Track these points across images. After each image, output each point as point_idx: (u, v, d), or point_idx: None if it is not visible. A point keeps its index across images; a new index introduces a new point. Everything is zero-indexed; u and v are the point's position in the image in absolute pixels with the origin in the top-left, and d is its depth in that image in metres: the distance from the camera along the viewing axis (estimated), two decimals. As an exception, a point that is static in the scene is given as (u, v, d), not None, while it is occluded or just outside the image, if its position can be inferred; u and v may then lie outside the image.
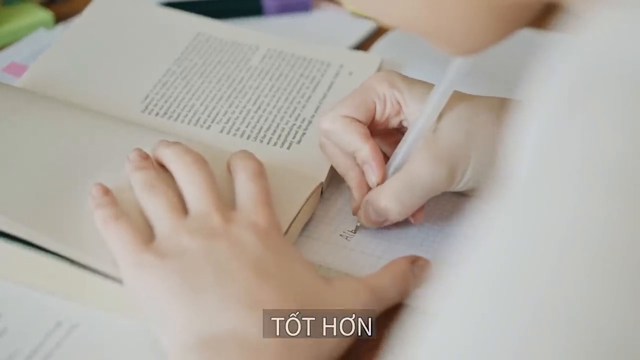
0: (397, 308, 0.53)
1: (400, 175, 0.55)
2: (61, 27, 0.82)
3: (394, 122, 0.58)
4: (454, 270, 0.31)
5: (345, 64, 0.72)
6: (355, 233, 0.59)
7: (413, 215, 0.57)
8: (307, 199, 0.58)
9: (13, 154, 0.56)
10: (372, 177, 0.56)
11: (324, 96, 0.68)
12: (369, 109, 0.57)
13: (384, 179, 0.56)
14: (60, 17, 0.84)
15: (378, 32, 0.84)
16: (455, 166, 0.55)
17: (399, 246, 0.58)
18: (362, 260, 0.57)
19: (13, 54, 0.76)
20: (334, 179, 0.63)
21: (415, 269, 0.54)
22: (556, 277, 0.27)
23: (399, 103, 0.57)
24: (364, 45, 0.83)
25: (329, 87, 0.69)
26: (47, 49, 0.73)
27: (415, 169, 0.55)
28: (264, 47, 0.73)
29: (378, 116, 0.58)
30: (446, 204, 0.61)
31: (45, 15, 0.83)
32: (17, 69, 0.72)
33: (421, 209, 0.57)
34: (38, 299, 0.51)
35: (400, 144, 0.56)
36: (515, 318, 0.27)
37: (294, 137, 0.64)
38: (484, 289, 0.29)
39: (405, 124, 0.58)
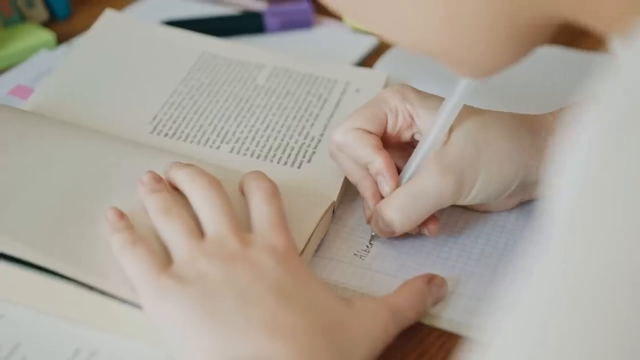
0: (412, 326, 0.53)
1: (407, 187, 0.56)
2: (63, 48, 0.82)
3: (406, 135, 0.59)
4: (505, 306, 0.31)
5: (352, 81, 0.72)
6: (371, 242, 0.59)
7: (427, 227, 0.57)
8: (321, 219, 0.58)
9: (25, 179, 0.56)
10: (386, 188, 0.57)
11: (332, 114, 0.68)
12: (381, 122, 0.58)
13: (396, 189, 0.56)
14: (61, 38, 0.84)
15: (380, 48, 0.85)
16: (463, 180, 0.55)
17: (414, 264, 0.58)
18: (377, 279, 0.57)
19: (17, 76, 0.76)
20: (345, 197, 0.63)
21: (432, 287, 0.54)
22: (611, 315, 0.27)
23: (411, 116, 0.58)
24: (367, 60, 0.83)
25: (337, 105, 0.69)
26: (52, 71, 0.73)
27: (422, 181, 0.55)
28: (269, 66, 0.73)
29: (390, 129, 0.58)
30: (459, 218, 0.61)
31: (47, 36, 0.83)
32: (23, 92, 0.72)
33: (435, 220, 0.57)
34: (56, 326, 0.51)
35: (411, 156, 0.57)
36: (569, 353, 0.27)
37: (304, 156, 0.64)
38: (536, 323, 0.29)
39: (417, 137, 0.58)
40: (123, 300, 0.50)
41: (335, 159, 0.60)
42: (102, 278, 0.50)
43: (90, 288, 0.50)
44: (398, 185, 0.56)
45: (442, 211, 0.61)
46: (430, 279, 0.54)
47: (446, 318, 0.54)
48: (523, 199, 0.61)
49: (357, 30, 0.88)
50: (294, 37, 0.86)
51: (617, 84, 0.29)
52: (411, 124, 0.58)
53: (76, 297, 0.51)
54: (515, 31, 0.39)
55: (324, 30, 0.88)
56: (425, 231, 0.58)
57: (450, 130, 0.55)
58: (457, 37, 0.40)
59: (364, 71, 0.74)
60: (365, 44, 0.85)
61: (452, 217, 0.61)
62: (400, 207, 0.55)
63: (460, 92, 0.53)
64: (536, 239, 0.30)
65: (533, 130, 0.58)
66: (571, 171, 0.29)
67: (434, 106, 0.56)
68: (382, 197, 0.57)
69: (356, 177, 0.59)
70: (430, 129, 0.55)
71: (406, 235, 0.59)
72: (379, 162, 0.56)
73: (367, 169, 0.58)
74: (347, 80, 0.72)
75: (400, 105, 0.57)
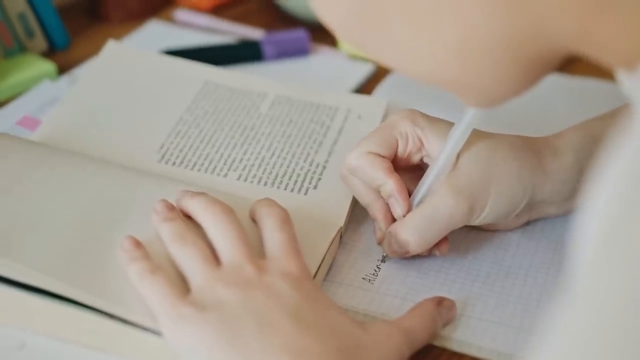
0: (424, 348, 0.54)
1: (421, 209, 0.57)
2: (65, 78, 0.83)
3: (415, 158, 0.61)
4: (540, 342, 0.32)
5: (353, 108, 0.73)
6: (383, 261, 0.61)
7: (438, 247, 0.59)
8: (330, 244, 0.59)
9: (40, 210, 0.57)
10: (398, 210, 0.58)
11: (336, 141, 0.70)
12: (392, 146, 0.60)
13: (409, 211, 0.58)
14: (61, 67, 0.85)
15: (377, 74, 0.86)
16: (474, 201, 0.57)
17: (422, 287, 0.59)
18: (386, 302, 0.58)
19: (22, 106, 0.77)
20: (351, 222, 0.64)
21: (442, 309, 0.55)
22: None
23: (420, 140, 0.60)
24: (364, 87, 0.85)
25: (340, 132, 0.71)
26: (58, 102, 0.74)
27: (436, 203, 0.57)
28: (271, 94, 0.75)
29: (400, 152, 0.60)
30: (463, 240, 0.63)
31: (48, 66, 0.84)
32: (31, 123, 0.73)
33: (446, 240, 0.59)
34: (77, 353, 0.52)
35: (422, 179, 0.59)
36: None
37: (310, 183, 0.65)
38: None
39: (426, 160, 0.60)
40: (143, 328, 0.51)
41: (346, 182, 0.62)
42: (122, 306, 0.51)
43: (110, 316, 0.51)
44: (410, 206, 0.58)
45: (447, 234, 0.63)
46: (440, 302, 0.55)
47: (456, 339, 0.55)
48: (530, 218, 0.64)
49: (353, 58, 0.90)
50: (291, 65, 0.88)
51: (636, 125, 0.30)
52: (420, 147, 0.60)
53: (96, 325, 0.52)
54: (524, 63, 0.40)
55: (321, 57, 0.90)
56: (437, 252, 0.60)
57: (460, 153, 0.57)
58: (466, 69, 0.41)
59: (364, 98, 0.76)
60: (362, 71, 0.86)
61: (456, 239, 0.63)
62: (415, 228, 0.57)
63: (469, 119, 0.54)
64: (566, 277, 0.31)
65: (538, 151, 0.60)
66: (597, 207, 0.30)
67: (443, 130, 0.58)
68: (393, 219, 0.59)
69: (367, 199, 0.61)
70: (440, 153, 0.57)
71: (416, 256, 0.60)
72: (390, 184, 0.58)
73: (378, 192, 0.60)
74: (348, 107, 0.73)
75: (410, 129, 0.60)
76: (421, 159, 0.61)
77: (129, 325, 0.51)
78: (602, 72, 0.85)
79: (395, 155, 0.60)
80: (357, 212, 0.65)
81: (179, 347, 0.49)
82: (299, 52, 0.89)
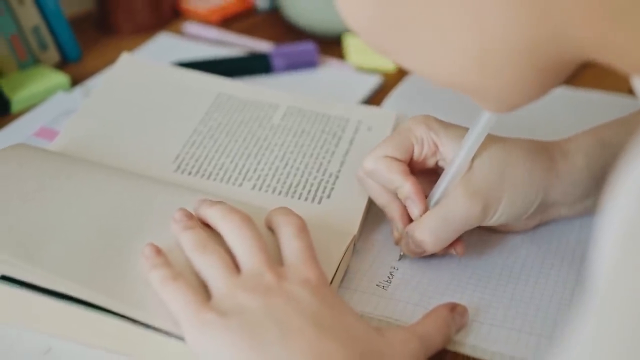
0: (438, 352, 0.56)
1: (436, 209, 0.59)
2: (79, 90, 0.84)
3: (430, 162, 0.63)
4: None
5: (363, 119, 0.75)
6: (400, 261, 0.63)
7: (455, 248, 0.62)
8: (345, 252, 0.61)
9: (61, 217, 0.58)
10: (415, 210, 0.61)
11: (347, 151, 0.71)
12: (408, 150, 0.62)
13: (426, 211, 0.60)
14: (74, 79, 0.87)
15: (384, 86, 0.88)
16: (488, 202, 0.59)
17: (434, 293, 0.60)
18: (400, 308, 0.59)
19: (38, 117, 0.78)
20: (364, 230, 0.66)
21: (455, 315, 0.57)
22: None
23: (435, 144, 0.62)
24: (372, 99, 0.86)
25: (351, 142, 0.72)
26: (74, 113, 0.76)
27: (451, 204, 0.59)
28: (283, 105, 0.76)
29: (416, 156, 0.62)
30: (474, 247, 0.64)
31: (62, 78, 0.86)
32: (48, 134, 0.74)
33: (461, 241, 0.62)
34: (100, 358, 0.53)
35: (438, 181, 0.61)
36: None
37: (323, 192, 0.67)
38: None
39: (441, 163, 0.63)
40: (166, 333, 0.52)
41: (363, 184, 0.64)
42: (145, 312, 0.52)
43: (133, 321, 0.53)
44: (427, 207, 0.60)
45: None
46: (453, 308, 0.57)
47: (469, 344, 0.56)
48: (542, 220, 0.66)
49: (360, 70, 0.91)
50: (300, 77, 0.90)
51: None
52: (435, 151, 0.62)
53: (119, 330, 0.53)
54: (542, 70, 0.42)
55: (329, 69, 0.91)
56: (453, 251, 0.62)
57: (475, 156, 0.59)
58: (485, 75, 0.43)
59: (374, 110, 0.77)
60: (369, 83, 0.88)
61: (468, 246, 0.64)
62: (431, 229, 0.59)
63: (484, 123, 0.56)
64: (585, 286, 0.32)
65: (549, 154, 0.63)
66: (618, 210, 0.32)
67: (457, 135, 0.61)
68: (409, 220, 0.62)
69: (384, 201, 0.63)
70: (455, 156, 0.59)
71: (432, 256, 0.63)
72: (407, 187, 0.60)
73: (395, 194, 0.62)
74: (358, 118, 0.75)
75: (425, 134, 0.62)
76: (436, 163, 0.63)
77: (151, 330, 0.52)
78: (606, 85, 0.87)
79: (411, 159, 0.62)
80: (370, 220, 0.67)
81: (202, 352, 0.50)
82: (308, 64, 0.91)
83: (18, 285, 0.54)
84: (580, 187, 0.63)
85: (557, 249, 0.65)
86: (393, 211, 0.63)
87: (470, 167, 0.59)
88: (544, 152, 0.62)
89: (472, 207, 0.59)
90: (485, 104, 0.49)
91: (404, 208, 0.62)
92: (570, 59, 0.41)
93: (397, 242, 0.63)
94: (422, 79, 0.86)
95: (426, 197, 0.61)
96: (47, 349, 0.54)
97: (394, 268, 0.63)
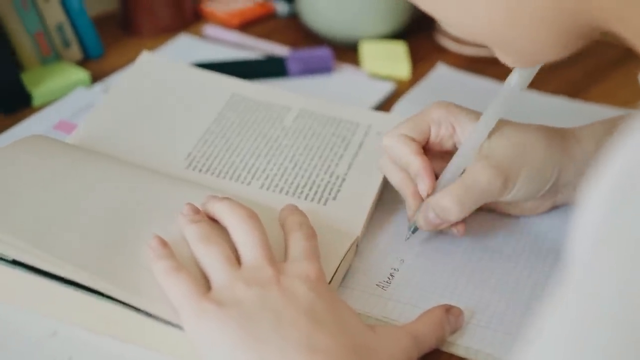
0: (432, 353, 0.57)
1: (461, 180, 0.63)
2: (98, 86, 0.86)
3: (447, 144, 0.66)
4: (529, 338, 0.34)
5: (373, 124, 0.76)
6: (410, 235, 0.66)
7: (457, 227, 0.65)
8: (346, 253, 0.62)
9: (73, 207, 0.60)
10: (422, 187, 0.64)
11: (355, 155, 0.73)
12: (424, 131, 0.65)
13: (432, 188, 0.64)
14: (95, 76, 0.89)
15: (396, 93, 0.90)
16: (507, 177, 0.62)
17: (433, 295, 0.62)
18: (398, 309, 0.61)
19: (58, 111, 0.81)
20: (367, 232, 0.67)
21: (450, 317, 0.58)
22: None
23: (453, 126, 0.65)
24: (383, 105, 0.88)
25: (360, 146, 0.74)
26: (93, 108, 0.78)
27: (475, 175, 0.62)
28: (295, 108, 0.78)
29: (433, 137, 0.66)
30: (473, 252, 0.66)
31: (82, 74, 0.88)
32: (67, 127, 0.77)
33: (463, 222, 0.65)
34: (105, 342, 0.55)
35: (451, 160, 0.64)
36: None
37: (329, 193, 0.69)
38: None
39: (458, 145, 0.65)
40: (167, 322, 0.54)
41: (382, 169, 0.68)
42: (147, 300, 0.54)
43: (136, 309, 0.54)
44: (434, 184, 0.64)
45: (458, 246, 0.66)
46: (448, 309, 0.58)
47: (463, 345, 0.58)
48: (555, 202, 0.69)
49: (374, 76, 0.93)
50: (315, 81, 0.91)
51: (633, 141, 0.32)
52: (452, 133, 0.65)
53: (123, 318, 0.55)
54: (564, 32, 0.45)
55: (343, 75, 0.93)
56: (455, 230, 0.65)
57: (495, 137, 0.63)
58: (513, 28, 0.46)
59: (384, 115, 0.79)
60: (382, 89, 0.90)
61: (467, 252, 0.66)
62: (457, 197, 0.62)
63: (500, 100, 0.61)
64: (557, 276, 0.34)
65: (564, 138, 0.66)
66: (590, 213, 0.33)
67: (475, 118, 0.64)
68: (422, 198, 0.64)
69: (397, 178, 0.67)
70: (469, 134, 0.63)
71: (431, 256, 0.65)
72: (417, 163, 0.64)
73: (408, 174, 0.65)
74: (368, 123, 0.77)
75: (444, 116, 0.65)
76: (453, 145, 0.66)
77: (153, 318, 0.54)
78: (618, 100, 0.88)
79: (428, 140, 0.65)
80: (375, 222, 0.68)
81: (199, 340, 0.52)
82: (323, 69, 0.92)
83: (28, 270, 0.56)
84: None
85: (556, 256, 0.66)
86: (406, 189, 0.66)
87: (491, 144, 0.63)
88: (559, 136, 0.65)
89: (494, 178, 0.62)
90: (506, 58, 0.52)
91: (417, 187, 0.65)
92: (591, 29, 0.44)
93: (410, 219, 0.66)
94: (433, 84, 0.87)
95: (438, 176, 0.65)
96: (52, 333, 0.56)
97: (395, 269, 0.64)
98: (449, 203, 0.62)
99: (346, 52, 0.97)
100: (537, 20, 0.44)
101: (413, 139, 0.65)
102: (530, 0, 0.43)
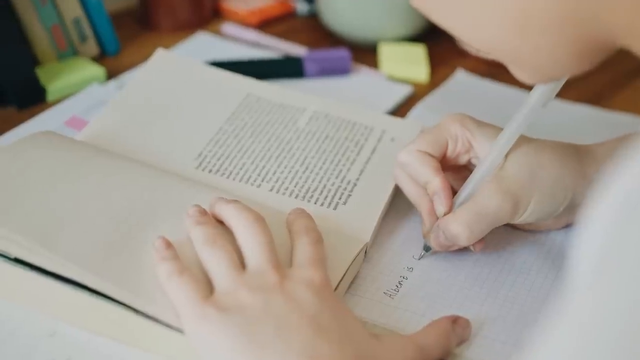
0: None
1: (470, 205, 0.61)
2: (113, 82, 0.86)
3: (463, 159, 0.65)
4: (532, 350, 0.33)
5: (388, 129, 0.75)
6: (424, 254, 0.65)
7: (474, 244, 0.63)
8: (354, 259, 0.61)
9: (80, 205, 0.60)
10: (440, 207, 0.63)
11: (368, 160, 0.72)
12: (442, 146, 0.64)
13: (450, 209, 0.62)
14: (110, 72, 0.89)
15: (413, 97, 0.89)
16: (518, 200, 0.61)
17: (441, 305, 0.61)
18: (405, 318, 0.60)
19: (71, 107, 0.80)
20: (377, 238, 0.66)
21: (457, 328, 0.57)
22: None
23: (469, 142, 0.64)
24: (401, 108, 0.87)
25: (373, 151, 0.73)
26: (105, 105, 0.77)
27: (484, 200, 0.60)
28: (310, 109, 0.77)
29: (449, 153, 0.64)
30: (485, 263, 0.65)
31: (98, 70, 0.88)
32: (78, 123, 0.76)
33: (482, 239, 0.63)
34: (104, 344, 0.54)
35: (469, 178, 0.63)
36: None
37: (340, 198, 0.68)
38: None
39: (474, 161, 0.64)
40: (168, 325, 0.53)
41: (397, 179, 0.66)
42: (149, 303, 0.53)
43: (136, 311, 0.54)
44: (452, 205, 0.62)
45: (468, 257, 0.65)
46: (455, 320, 0.57)
47: (469, 358, 0.56)
48: (569, 220, 0.67)
49: (392, 79, 0.92)
50: (331, 83, 0.90)
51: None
52: (469, 149, 0.64)
53: (124, 320, 0.54)
54: (576, 46, 0.44)
55: (360, 77, 0.92)
56: (472, 247, 0.63)
57: (508, 156, 0.61)
58: (524, 41, 0.44)
59: (399, 121, 0.77)
60: (400, 92, 0.89)
61: (478, 263, 0.64)
62: (466, 222, 0.60)
63: (518, 120, 0.59)
64: (563, 289, 0.33)
65: (580, 157, 0.64)
66: (593, 232, 0.32)
67: (491, 133, 0.62)
68: (437, 217, 0.63)
69: (414, 195, 0.65)
70: (488, 153, 0.61)
71: (450, 253, 0.65)
72: (437, 182, 0.62)
73: (425, 189, 0.64)
74: (383, 128, 0.75)
75: (460, 132, 0.64)
76: (469, 161, 0.65)
77: (154, 321, 0.53)
78: (639, 108, 0.87)
79: (445, 155, 0.64)
80: (385, 229, 0.67)
81: (200, 345, 0.51)
82: (340, 70, 0.91)
83: (30, 268, 0.55)
84: None
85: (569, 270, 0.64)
86: (422, 206, 0.65)
87: (503, 166, 0.61)
88: (574, 155, 0.64)
89: (504, 203, 0.60)
90: (520, 74, 0.50)
91: (433, 204, 0.64)
92: (604, 43, 0.43)
93: (425, 236, 0.64)
94: (451, 91, 0.86)
95: (455, 194, 0.63)
96: (52, 333, 0.55)
97: (403, 277, 0.63)
98: (457, 229, 0.60)
99: (365, 53, 0.96)
100: (549, 29, 0.43)
101: (431, 156, 0.63)
102: (537, 10, 0.42)
